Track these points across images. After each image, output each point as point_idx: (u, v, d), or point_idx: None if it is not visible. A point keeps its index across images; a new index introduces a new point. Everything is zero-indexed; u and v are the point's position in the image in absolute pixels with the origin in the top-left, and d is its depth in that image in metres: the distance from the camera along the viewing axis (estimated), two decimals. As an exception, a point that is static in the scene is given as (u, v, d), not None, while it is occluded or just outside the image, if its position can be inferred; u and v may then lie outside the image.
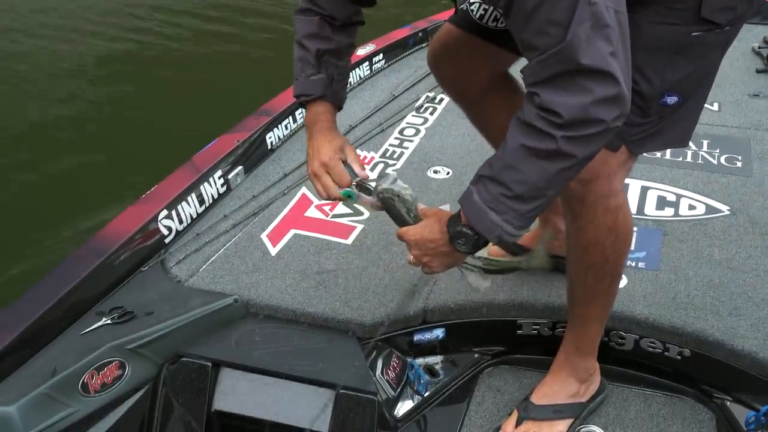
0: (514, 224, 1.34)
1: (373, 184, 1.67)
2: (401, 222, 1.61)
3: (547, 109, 1.23)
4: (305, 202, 2.59)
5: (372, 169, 2.80)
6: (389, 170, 2.76)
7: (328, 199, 1.71)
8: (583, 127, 1.22)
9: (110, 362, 1.86)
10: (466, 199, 1.39)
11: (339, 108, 1.78)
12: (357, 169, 1.70)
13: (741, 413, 1.86)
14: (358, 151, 2.91)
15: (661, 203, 2.54)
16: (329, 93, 1.73)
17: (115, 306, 2.03)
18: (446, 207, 1.61)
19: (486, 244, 1.42)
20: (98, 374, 1.83)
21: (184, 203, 2.43)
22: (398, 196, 1.61)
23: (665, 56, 1.44)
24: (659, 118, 1.52)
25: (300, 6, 1.72)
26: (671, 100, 1.49)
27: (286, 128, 3.03)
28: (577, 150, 1.25)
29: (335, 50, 1.72)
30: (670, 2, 1.42)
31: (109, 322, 1.97)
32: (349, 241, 2.36)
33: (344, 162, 1.70)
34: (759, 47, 3.98)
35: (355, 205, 1.77)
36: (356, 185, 1.69)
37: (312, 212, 2.53)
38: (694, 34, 1.43)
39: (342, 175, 1.68)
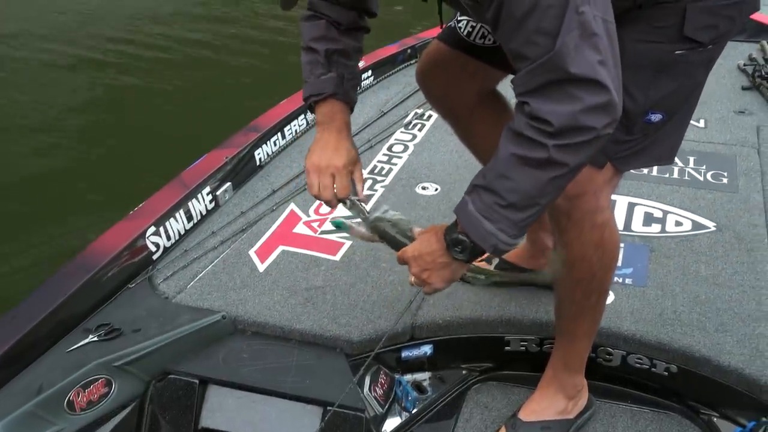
0: (509, 233, 1.34)
1: (368, 207, 1.67)
2: (397, 245, 1.60)
3: (537, 117, 1.24)
4: (293, 219, 2.59)
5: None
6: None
7: (317, 197, 1.71)
8: (574, 135, 1.23)
9: (96, 380, 1.85)
10: (461, 208, 1.39)
11: (351, 110, 1.77)
12: (359, 187, 1.70)
13: (728, 429, 1.86)
14: (347, 167, 2.92)
15: (648, 219, 2.55)
16: (340, 91, 1.71)
17: (102, 323, 2.02)
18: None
19: (483, 253, 1.42)
20: (84, 392, 1.82)
21: (172, 220, 2.43)
22: (389, 221, 1.61)
23: (649, 74, 1.45)
24: (644, 135, 1.53)
25: (304, 14, 1.73)
26: (655, 117, 1.50)
27: (275, 144, 3.03)
28: (569, 158, 1.26)
29: (344, 50, 1.71)
30: (653, 20, 1.43)
31: (95, 339, 1.96)
32: (338, 257, 2.36)
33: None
34: (745, 65, 4.02)
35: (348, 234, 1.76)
36: (350, 203, 1.68)
37: (300, 229, 2.53)
38: (677, 52, 1.45)
39: (346, 187, 1.68)
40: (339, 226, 1.66)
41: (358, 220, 1.68)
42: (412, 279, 1.54)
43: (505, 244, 1.35)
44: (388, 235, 1.61)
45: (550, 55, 1.19)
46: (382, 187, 2.77)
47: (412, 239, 1.58)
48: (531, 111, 1.24)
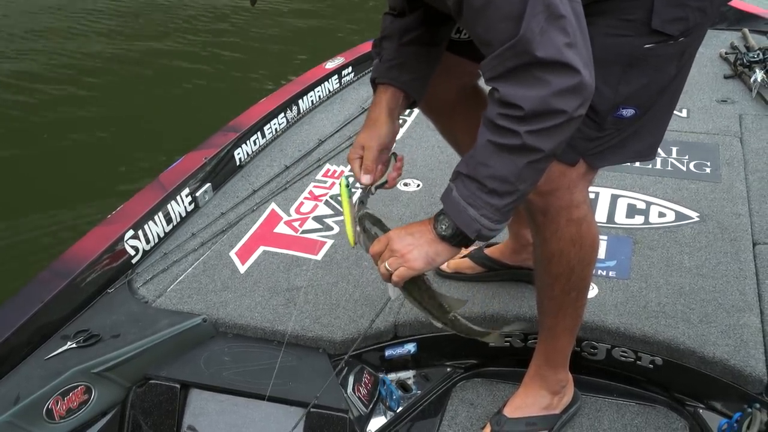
0: (492, 219, 1.33)
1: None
2: (371, 238, 1.53)
3: (507, 103, 1.22)
4: (274, 219, 2.57)
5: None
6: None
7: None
8: (545, 119, 1.22)
9: (76, 387, 1.83)
10: (446, 195, 1.38)
11: (403, 91, 1.67)
12: (360, 175, 1.64)
13: (713, 420, 1.86)
14: (327, 165, 2.91)
15: (631, 211, 2.54)
16: (378, 74, 1.67)
17: (81, 329, 2.00)
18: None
19: (468, 239, 1.38)
20: (63, 400, 1.80)
21: (150, 222, 2.40)
22: (373, 216, 1.56)
23: (617, 69, 1.43)
24: (617, 130, 1.51)
25: None
26: (627, 112, 1.48)
27: (255, 144, 3.01)
28: (542, 143, 1.25)
29: (387, 36, 1.69)
30: (621, 13, 1.41)
31: (74, 345, 1.94)
32: (319, 256, 2.34)
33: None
34: (726, 53, 4.02)
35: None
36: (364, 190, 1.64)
37: (281, 228, 2.51)
38: (646, 46, 1.42)
39: (368, 165, 1.62)
40: (347, 186, 1.61)
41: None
42: (386, 264, 1.45)
43: (488, 229, 1.34)
44: (370, 231, 1.56)
45: (515, 39, 1.18)
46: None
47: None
48: (501, 97, 1.23)
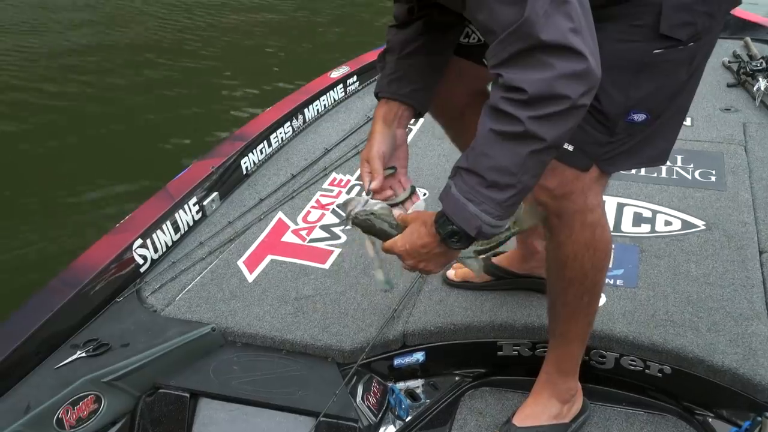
0: (493, 214, 1.31)
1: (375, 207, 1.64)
2: (385, 237, 1.56)
3: (511, 87, 1.21)
4: (282, 227, 2.57)
5: (348, 192, 2.79)
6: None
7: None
8: (549, 104, 1.20)
9: (86, 396, 1.83)
10: (445, 193, 1.36)
11: (405, 103, 1.70)
12: (366, 183, 1.67)
13: (723, 430, 1.86)
14: (334, 174, 2.91)
15: (638, 220, 2.54)
16: (379, 88, 1.70)
17: (90, 338, 2.00)
18: (421, 204, 1.64)
19: (472, 239, 1.37)
20: (73, 409, 1.80)
21: (158, 231, 2.41)
22: (373, 214, 1.58)
23: (628, 74, 1.43)
24: (629, 135, 1.51)
25: None
26: (639, 117, 1.48)
27: (261, 153, 3.02)
28: (545, 131, 1.23)
29: (389, 49, 1.71)
30: (630, 18, 1.41)
31: (84, 354, 1.94)
32: (327, 265, 2.35)
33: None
34: (729, 62, 4.03)
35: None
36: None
37: (289, 237, 2.52)
38: (655, 51, 1.43)
39: (365, 183, 1.67)
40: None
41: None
42: (406, 265, 1.50)
43: (489, 226, 1.32)
44: (375, 229, 1.57)
45: (519, 23, 1.17)
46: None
47: (398, 227, 1.54)
48: (505, 81, 1.22)
